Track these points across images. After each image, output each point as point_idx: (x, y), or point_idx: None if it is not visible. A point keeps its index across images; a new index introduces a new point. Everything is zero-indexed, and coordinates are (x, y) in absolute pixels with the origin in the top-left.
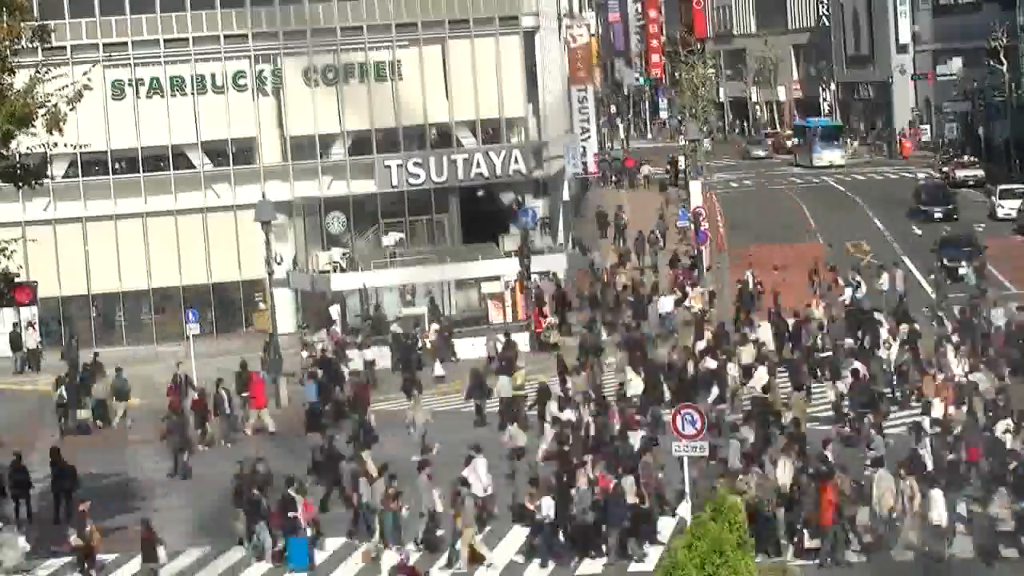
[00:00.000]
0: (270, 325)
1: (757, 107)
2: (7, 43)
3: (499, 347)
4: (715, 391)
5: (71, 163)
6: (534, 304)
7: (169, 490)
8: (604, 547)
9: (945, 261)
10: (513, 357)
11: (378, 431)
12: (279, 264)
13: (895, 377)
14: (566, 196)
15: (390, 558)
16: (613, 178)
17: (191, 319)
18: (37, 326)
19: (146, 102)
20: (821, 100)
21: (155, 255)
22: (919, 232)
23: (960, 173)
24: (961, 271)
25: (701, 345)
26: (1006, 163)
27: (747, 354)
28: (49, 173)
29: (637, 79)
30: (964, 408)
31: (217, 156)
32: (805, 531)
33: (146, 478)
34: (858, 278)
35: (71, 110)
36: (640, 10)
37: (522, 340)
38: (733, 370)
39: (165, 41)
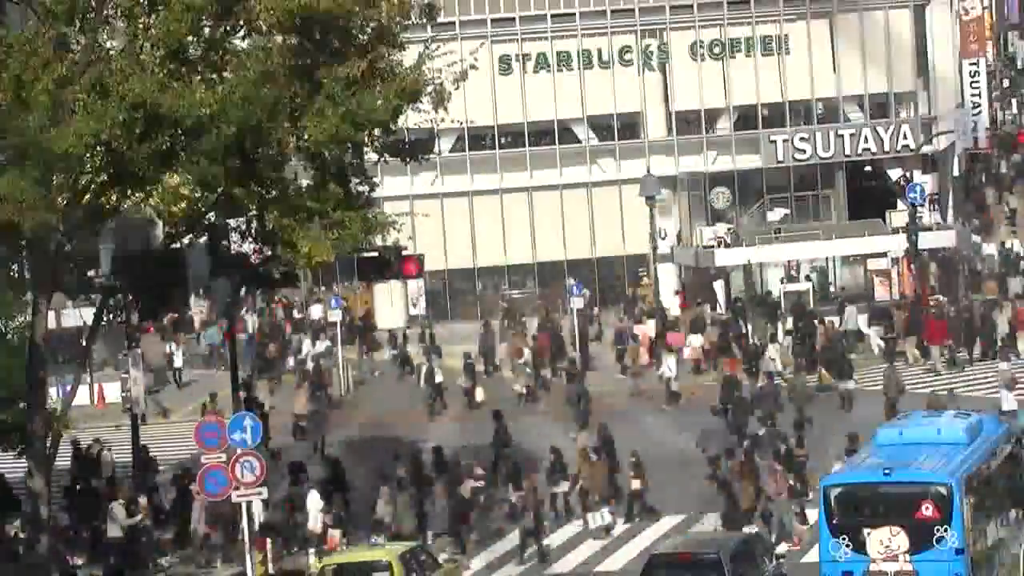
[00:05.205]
0: (654, 300)
1: None
2: (397, 20)
3: None
4: None
5: (458, 138)
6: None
7: None
8: None
9: None
10: None
11: None
12: (663, 239)
13: None
14: (956, 172)
15: None
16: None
17: (575, 291)
18: (423, 300)
19: (532, 77)
20: None
21: (539, 229)
22: None
23: None
24: None
25: None
26: None
27: None
28: (436, 148)
29: None
30: None
31: (602, 131)
32: None
33: None
34: None
35: (455, 89)
36: None
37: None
38: None
39: (552, 16)
